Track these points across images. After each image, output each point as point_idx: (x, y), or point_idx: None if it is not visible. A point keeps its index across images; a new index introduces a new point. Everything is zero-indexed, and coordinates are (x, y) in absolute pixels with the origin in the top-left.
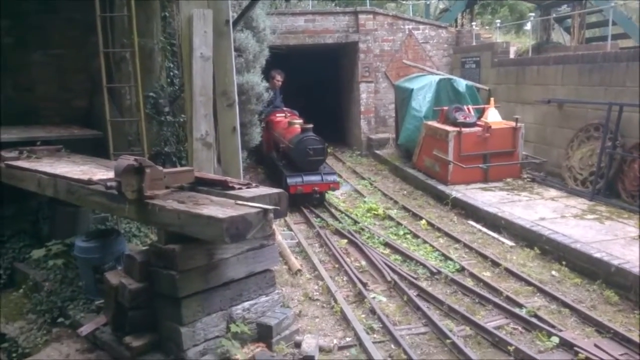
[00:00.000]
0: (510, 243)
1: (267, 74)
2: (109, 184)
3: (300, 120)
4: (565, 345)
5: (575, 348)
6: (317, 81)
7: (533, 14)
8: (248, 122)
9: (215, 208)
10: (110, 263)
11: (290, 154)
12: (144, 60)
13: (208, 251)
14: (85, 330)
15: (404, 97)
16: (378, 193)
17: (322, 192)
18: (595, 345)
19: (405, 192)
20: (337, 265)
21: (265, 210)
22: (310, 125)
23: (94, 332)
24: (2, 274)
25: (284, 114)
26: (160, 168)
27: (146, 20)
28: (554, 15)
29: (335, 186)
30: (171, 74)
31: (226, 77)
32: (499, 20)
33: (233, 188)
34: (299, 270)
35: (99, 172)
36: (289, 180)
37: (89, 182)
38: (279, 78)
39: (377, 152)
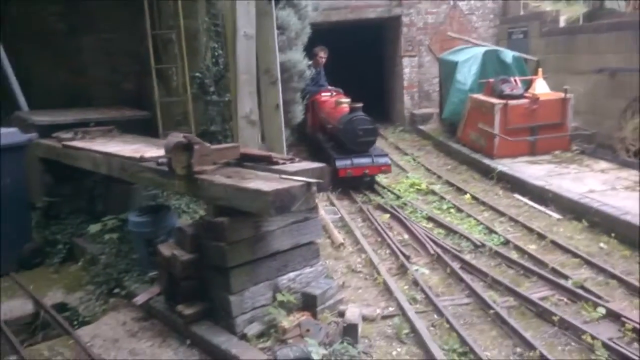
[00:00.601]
0: (557, 216)
1: (309, 52)
2: (160, 160)
3: (348, 99)
4: (612, 316)
5: (623, 319)
6: (360, 57)
7: None
8: (290, 100)
9: (261, 182)
10: (162, 237)
11: (339, 135)
12: (190, 41)
13: (255, 223)
14: (140, 300)
15: (448, 70)
16: (421, 168)
17: (373, 176)
18: None
19: (449, 167)
20: (379, 239)
21: (309, 184)
22: (360, 104)
23: (148, 301)
24: (62, 249)
25: (329, 93)
26: (208, 144)
27: (191, 1)
28: None
29: (387, 169)
30: (216, 54)
31: (269, 55)
32: None
33: (277, 163)
34: (342, 244)
35: (149, 150)
36: (338, 163)
37: (141, 159)
38: (322, 55)
39: (421, 127)
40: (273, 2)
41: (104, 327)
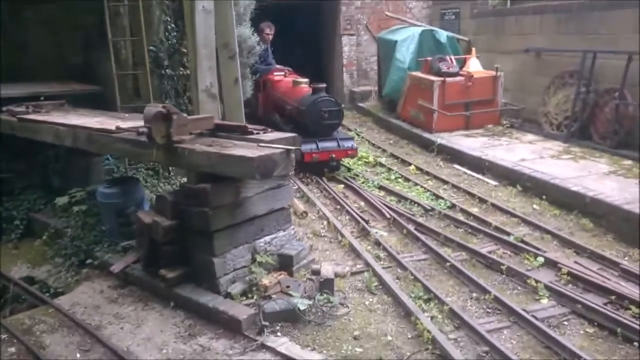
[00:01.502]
0: (494, 183)
1: (254, 28)
2: (140, 130)
3: (306, 80)
4: (550, 264)
5: (559, 265)
6: (300, 35)
7: None
8: (241, 75)
9: (243, 150)
10: (132, 207)
11: (301, 117)
12: (144, 14)
13: (234, 190)
14: (117, 268)
15: (387, 49)
16: (366, 143)
17: (339, 160)
18: (576, 262)
19: (391, 141)
20: (338, 207)
21: (288, 151)
22: (323, 85)
23: (125, 269)
24: (20, 225)
25: (283, 72)
26: (185, 115)
27: None
28: None
29: (353, 153)
30: (169, 27)
31: (227, 29)
32: None
33: (252, 133)
34: (305, 212)
35: (114, 122)
36: (303, 147)
37: (118, 129)
38: (268, 31)
39: (360, 104)
40: None
41: (82, 295)
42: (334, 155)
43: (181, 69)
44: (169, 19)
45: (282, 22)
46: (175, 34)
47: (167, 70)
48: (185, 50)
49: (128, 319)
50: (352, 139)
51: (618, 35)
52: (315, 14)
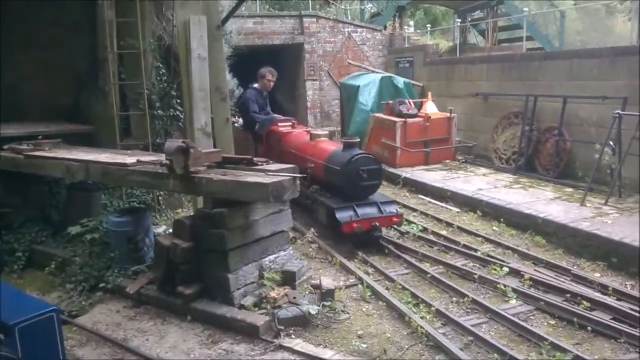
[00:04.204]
0: (456, 209)
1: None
2: (162, 162)
3: (325, 132)
4: (514, 272)
5: (521, 273)
6: None
7: (459, 20)
8: None
9: (256, 177)
10: (141, 235)
11: (333, 178)
12: (133, 60)
13: (245, 214)
14: (132, 289)
15: (350, 93)
16: None
17: (381, 229)
18: (535, 270)
19: None
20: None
21: (294, 178)
22: (357, 140)
23: (140, 289)
24: (22, 256)
25: (290, 123)
26: (200, 149)
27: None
28: (469, 19)
29: (398, 219)
30: (160, 72)
31: (219, 74)
32: (429, 25)
33: (256, 164)
34: (294, 237)
35: (122, 158)
36: (339, 215)
37: (139, 162)
38: (270, 77)
39: None
40: (220, 28)
41: (100, 315)
42: (377, 224)
43: (170, 110)
44: (160, 65)
45: (251, 67)
46: (165, 78)
47: (159, 111)
48: (174, 93)
49: (150, 332)
50: (394, 202)
51: (554, 81)
52: (281, 60)
